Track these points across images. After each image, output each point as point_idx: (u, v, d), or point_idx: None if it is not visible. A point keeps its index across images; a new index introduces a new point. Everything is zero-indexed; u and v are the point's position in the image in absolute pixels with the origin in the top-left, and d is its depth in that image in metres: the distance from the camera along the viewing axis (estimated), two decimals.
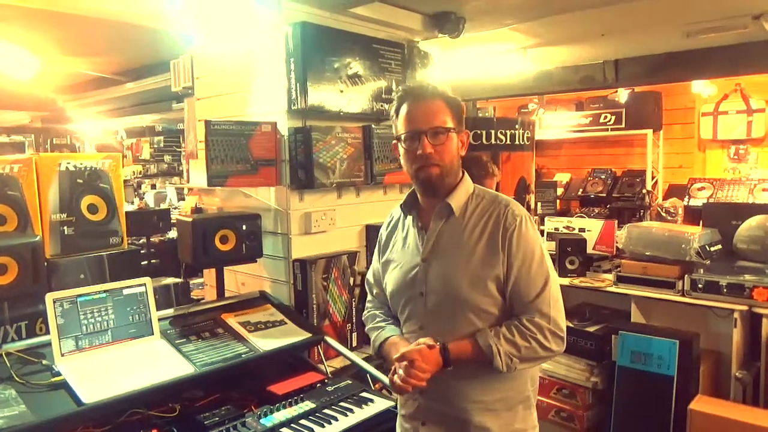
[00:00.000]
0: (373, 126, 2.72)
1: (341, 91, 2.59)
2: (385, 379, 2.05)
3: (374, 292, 1.78)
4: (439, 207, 1.53)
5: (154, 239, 4.87)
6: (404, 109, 1.51)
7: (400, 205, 1.65)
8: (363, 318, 1.79)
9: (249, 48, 2.61)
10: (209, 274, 2.95)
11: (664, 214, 4.19)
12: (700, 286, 2.98)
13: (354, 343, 2.71)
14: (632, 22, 3.29)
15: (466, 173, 1.58)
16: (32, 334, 2.05)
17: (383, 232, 1.73)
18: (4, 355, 1.78)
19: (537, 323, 1.42)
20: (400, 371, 1.41)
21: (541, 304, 1.44)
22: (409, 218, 1.63)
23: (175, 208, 6.37)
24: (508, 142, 3.24)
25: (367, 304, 1.80)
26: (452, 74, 3.84)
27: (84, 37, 3.71)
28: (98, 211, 2.32)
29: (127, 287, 2.00)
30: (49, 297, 1.83)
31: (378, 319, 1.71)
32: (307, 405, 1.89)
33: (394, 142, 1.56)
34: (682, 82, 4.99)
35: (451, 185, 1.53)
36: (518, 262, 1.44)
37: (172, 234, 4.88)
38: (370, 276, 1.80)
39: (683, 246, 3.07)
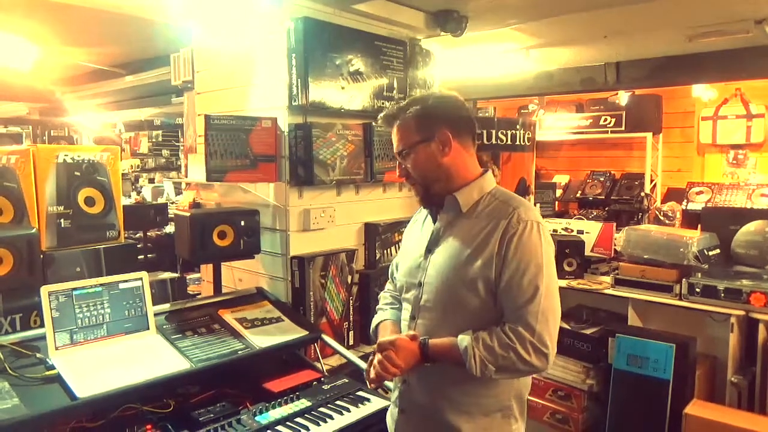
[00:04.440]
0: (374, 124, 2.71)
1: (342, 88, 2.57)
2: None
3: (394, 276, 1.80)
4: (447, 200, 1.55)
5: (151, 234, 4.84)
6: None
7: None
8: (378, 297, 1.85)
9: (250, 43, 2.59)
10: (206, 270, 2.93)
11: (662, 218, 4.19)
12: (697, 290, 2.98)
13: (351, 342, 2.70)
14: (634, 25, 3.29)
15: (488, 173, 1.57)
16: (27, 326, 2.03)
17: (410, 223, 1.78)
18: None
19: (519, 333, 1.38)
20: (374, 361, 1.46)
21: (528, 315, 1.39)
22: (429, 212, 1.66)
23: (173, 203, 6.33)
24: (509, 142, 3.22)
25: (387, 285, 1.85)
26: (454, 73, 3.82)
27: (84, 28, 3.69)
28: (95, 204, 2.31)
29: (123, 281, 1.99)
30: (44, 290, 1.82)
31: (385, 301, 1.77)
32: (303, 403, 1.88)
33: None
34: (683, 85, 4.98)
35: (451, 189, 1.53)
36: (511, 268, 1.41)
37: (170, 229, 4.85)
38: (393, 261, 1.84)
39: (681, 250, 3.07)
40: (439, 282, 1.50)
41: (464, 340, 1.42)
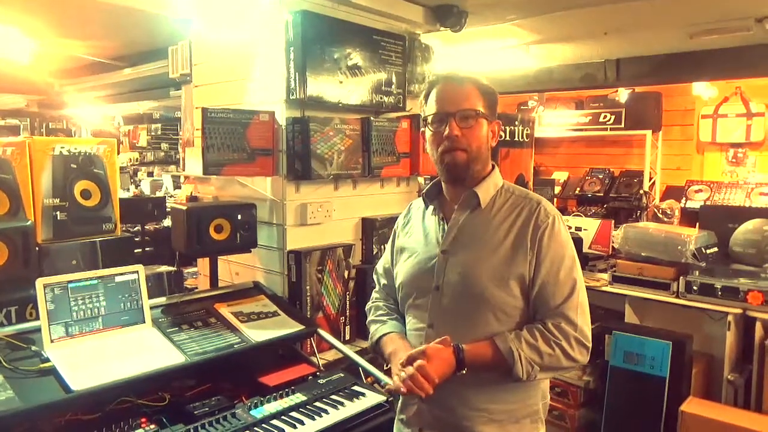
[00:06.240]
0: (372, 118, 2.70)
1: (341, 82, 2.56)
2: (377, 373, 2.04)
3: (382, 283, 1.70)
4: (465, 196, 1.46)
5: (149, 227, 4.84)
6: (434, 92, 1.46)
7: (423, 194, 1.57)
8: (366, 309, 1.72)
9: (248, 36, 2.58)
10: (203, 263, 2.93)
11: (660, 216, 4.19)
12: (694, 288, 2.98)
13: (347, 336, 2.70)
14: (635, 22, 3.28)
15: (497, 167, 1.51)
16: (22, 319, 2.02)
17: (400, 221, 1.66)
18: None
19: (563, 329, 1.35)
20: (402, 373, 1.29)
21: (569, 310, 1.36)
22: (431, 208, 1.55)
23: (171, 197, 6.33)
24: (508, 138, 3.22)
25: (374, 295, 1.73)
26: (453, 68, 3.81)
27: (82, 21, 3.67)
28: (92, 197, 2.29)
29: (120, 274, 1.98)
30: (40, 282, 1.81)
31: (380, 312, 1.63)
32: (299, 397, 1.88)
33: (422, 129, 1.49)
34: (683, 83, 4.98)
35: (478, 174, 1.45)
36: (547, 264, 1.37)
37: (167, 222, 4.85)
38: (380, 266, 1.73)
39: (679, 248, 3.07)
40: (464, 284, 1.40)
41: (506, 341, 1.33)
